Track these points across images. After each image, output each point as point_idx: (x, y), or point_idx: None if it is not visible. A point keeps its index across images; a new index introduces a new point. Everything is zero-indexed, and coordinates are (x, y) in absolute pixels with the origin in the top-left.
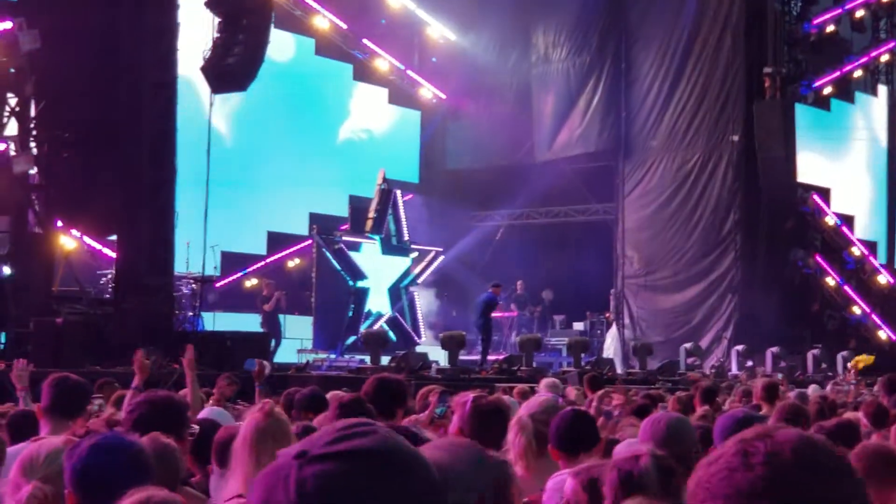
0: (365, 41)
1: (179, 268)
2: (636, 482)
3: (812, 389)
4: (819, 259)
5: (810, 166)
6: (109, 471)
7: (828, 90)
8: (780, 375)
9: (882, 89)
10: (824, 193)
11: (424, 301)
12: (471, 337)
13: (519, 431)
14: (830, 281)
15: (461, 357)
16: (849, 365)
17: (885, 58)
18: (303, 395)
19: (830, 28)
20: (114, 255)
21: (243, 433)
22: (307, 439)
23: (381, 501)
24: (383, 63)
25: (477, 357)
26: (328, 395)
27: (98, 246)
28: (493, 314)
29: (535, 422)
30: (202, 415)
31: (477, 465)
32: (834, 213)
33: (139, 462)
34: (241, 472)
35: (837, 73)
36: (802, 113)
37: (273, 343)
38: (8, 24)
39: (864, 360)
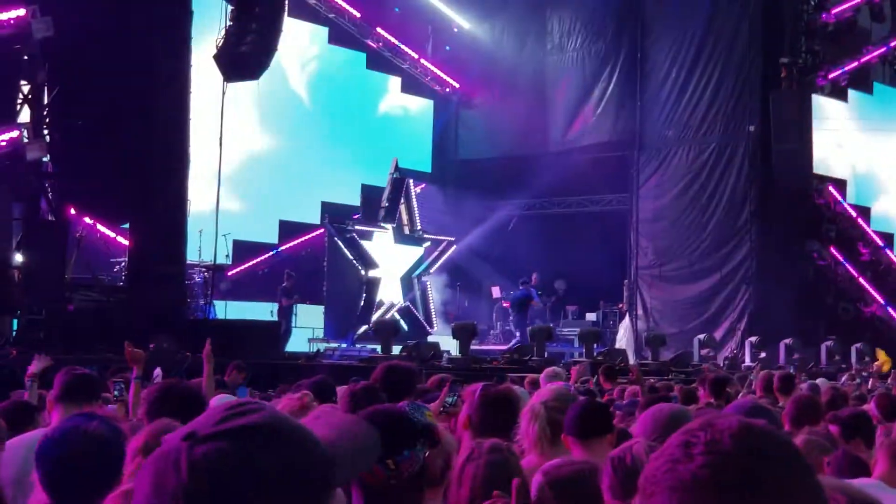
0: (379, 30)
1: (192, 256)
2: (630, 468)
3: (821, 382)
4: (834, 251)
5: (826, 157)
6: (68, 462)
7: (845, 81)
8: (791, 368)
9: None
10: (840, 185)
11: (436, 290)
12: (482, 326)
13: (532, 419)
14: (845, 273)
15: (473, 346)
16: (874, 365)
17: None
18: (311, 383)
19: (849, 17)
20: (127, 242)
21: None
22: (195, 421)
23: (269, 475)
24: (397, 52)
25: (489, 346)
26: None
27: (111, 234)
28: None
29: (548, 409)
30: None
31: (363, 442)
32: (849, 205)
33: (98, 448)
34: None
35: (855, 64)
36: (819, 103)
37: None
38: (21, 12)
39: (888, 362)
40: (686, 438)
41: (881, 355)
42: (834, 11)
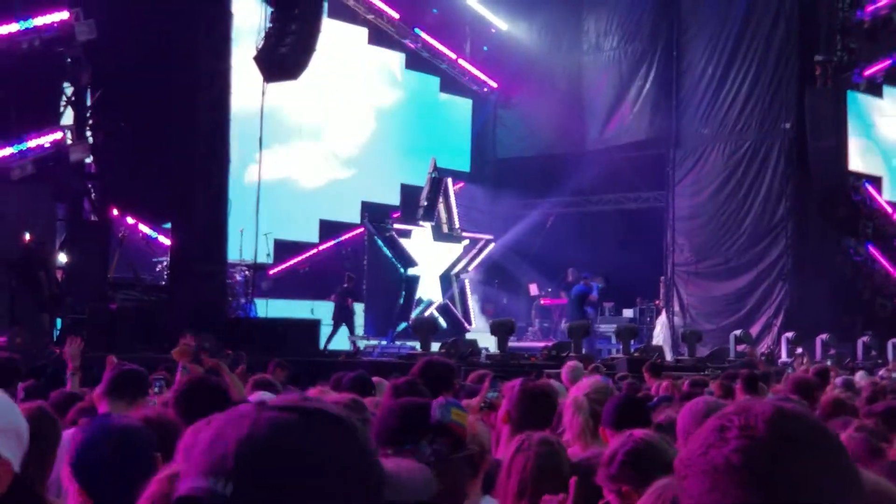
0: (417, 30)
1: (233, 255)
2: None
3: (860, 376)
4: (870, 247)
5: (862, 154)
6: (103, 460)
7: (881, 78)
8: (829, 362)
9: None
10: (876, 182)
11: (475, 288)
12: (521, 324)
13: (576, 412)
14: (882, 269)
15: (511, 343)
16: None
17: None
18: (350, 378)
19: (885, 15)
20: (168, 242)
21: None
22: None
23: (324, 458)
24: (435, 52)
25: (527, 343)
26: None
27: (153, 233)
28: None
29: (591, 402)
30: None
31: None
32: (886, 202)
33: (131, 445)
34: None
35: (890, 61)
36: (855, 101)
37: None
38: (65, 15)
39: None
40: (721, 423)
41: None
42: (869, 9)
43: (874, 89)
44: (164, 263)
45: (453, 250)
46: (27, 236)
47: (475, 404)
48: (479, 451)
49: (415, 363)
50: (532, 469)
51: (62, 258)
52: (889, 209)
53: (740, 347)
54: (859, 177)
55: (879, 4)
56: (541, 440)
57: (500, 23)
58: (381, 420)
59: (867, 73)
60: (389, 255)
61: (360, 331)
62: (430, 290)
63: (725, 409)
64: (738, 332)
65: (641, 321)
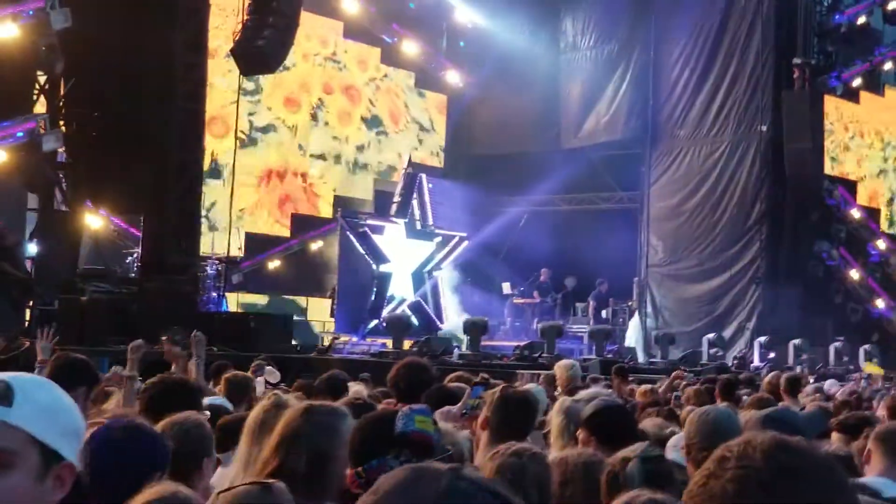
0: (393, 25)
1: (205, 249)
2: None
3: (830, 384)
4: (843, 252)
5: (837, 158)
6: (123, 466)
7: (857, 82)
8: (799, 369)
9: None
10: (850, 186)
11: (447, 285)
12: (493, 322)
13: (559, 412)
14: (854, 274)
15: (483, 342)
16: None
17: None
18: (322, 380)
19: (862, 20)
20: (140, 234)
21: (248, 422)
22: None
23: None
24: (411, 47)
25: (499, 342)
26: (351, 390)
27: (124, 225)
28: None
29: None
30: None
31: None
32: (859, 206)
33: (153, 451)
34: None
35: (867, 66)
36: (831, 104)
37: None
38: (40, 2)
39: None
40: (722, 453)
41: (870, 367)
42: (847, 13)
43: (851, 94)
44: (136, 255)
45: (426, 247)
46: None
47: (456, 411)
48: (458, 458)
49: (387, 361)
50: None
51: (32, 248)
52: (863, 214)
53: (712, 351)
54: (834, 181)
55: (857, 9)
56: (513, 451)
57: (478, 18)
58: (350, 440)
59: (844, 77)
60: (362, 250)
61: (330, 326)
62: (402, 287)
63: (733, 440)
64: (711, 335)
65: (615, 322)
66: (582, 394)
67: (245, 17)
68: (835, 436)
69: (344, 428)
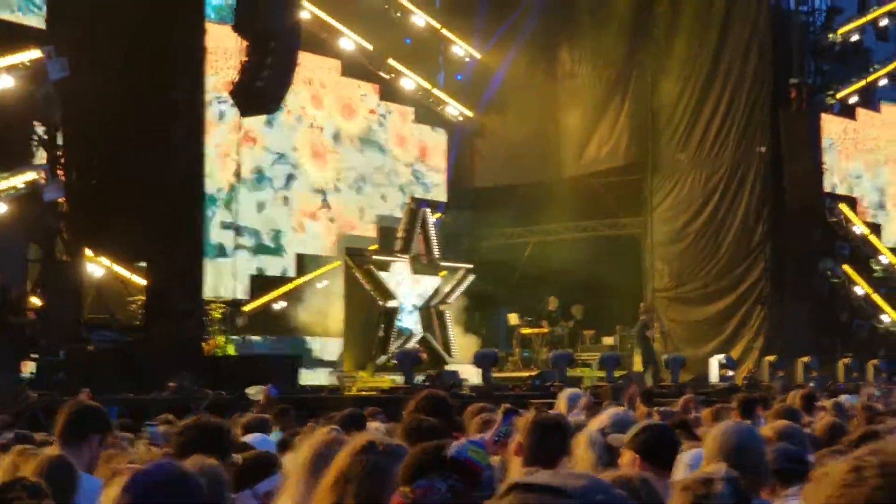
0: (390, 61)
1: (209, 292)
2: None
3: (845, 399)
4: (847, 268)
5: (837, 176)
6: None
7: (853, 100)
8: (811, 384)
9: None
10: (851, 203)
11: (455, 318)
12: (502, 354)
13: (588, 447)
14: (859, 290)
15: (494, 374)
16: None
17: None
18: (343, 416)
19: (854, 38)
20: (143, 281)
21: (302, 456)
22: None
23: None
24: (409, 82)
25: (508, 374)
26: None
27: (127, 273)
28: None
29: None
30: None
31: None
32: (862, 223)
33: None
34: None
35: (862, 83)
36: (829, 123)
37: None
38: (37, 53)
39: None
40: (856, 464)
41: None
42: (840, 32)
43: (847, 111)
44: (139, 302)
45: (432, 282)
46: None
47: (489, 439)
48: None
49: (399, 396)
50: None
51: (35, 300)
52: (865, 230)
53: (722, 372)
54: (835, 198)
55: (849, 27)
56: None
57: (474, 51)
58: (404, 463)
59: (840, 95)
60: (368, 288)
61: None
62: (409, 323)
63: (856, 452)
64: (720, 356)
65: (622, 348)
66: (601, 417)
67: (243, 59)
68: None
69: (398, 469)
